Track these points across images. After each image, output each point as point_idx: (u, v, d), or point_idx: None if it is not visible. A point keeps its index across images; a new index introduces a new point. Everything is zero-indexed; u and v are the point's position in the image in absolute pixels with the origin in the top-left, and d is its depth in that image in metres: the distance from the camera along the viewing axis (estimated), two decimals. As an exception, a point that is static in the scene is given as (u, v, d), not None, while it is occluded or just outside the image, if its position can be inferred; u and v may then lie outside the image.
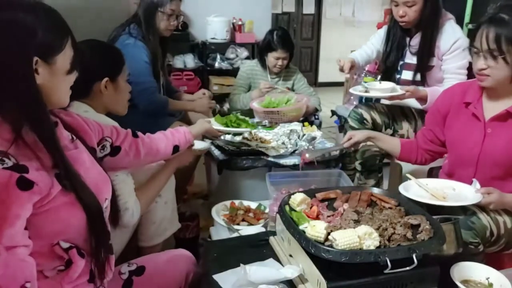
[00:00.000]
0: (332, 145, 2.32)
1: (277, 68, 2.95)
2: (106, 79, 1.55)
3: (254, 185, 2.10)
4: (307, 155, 1.91)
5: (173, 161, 1.67)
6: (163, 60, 2.61)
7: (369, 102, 2.66)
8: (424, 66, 2.28)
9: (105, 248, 1.11)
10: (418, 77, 2.30)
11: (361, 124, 2.32)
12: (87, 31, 1.64)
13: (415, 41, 2.28)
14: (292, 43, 2.99)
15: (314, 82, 7.73)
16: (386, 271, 1.07)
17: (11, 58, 0.93)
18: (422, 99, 2.17)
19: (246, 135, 2.25)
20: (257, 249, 1.39)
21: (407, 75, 2.34)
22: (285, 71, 3.04)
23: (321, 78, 7.89)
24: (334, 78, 6.78)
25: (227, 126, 1.88)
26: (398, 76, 2.39)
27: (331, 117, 3.58)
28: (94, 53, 1.56)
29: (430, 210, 1.43)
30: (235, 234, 1.60)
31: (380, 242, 1.14)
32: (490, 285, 1.22)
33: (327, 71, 7.70)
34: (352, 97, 3.45)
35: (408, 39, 2.33)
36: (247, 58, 4.44)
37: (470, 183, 1.56)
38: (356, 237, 1.11)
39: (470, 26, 3.07)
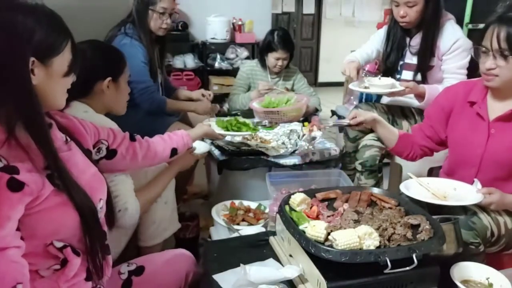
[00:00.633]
0: (339, 120, 2.32)
1: (277, 68, 2.95)
2: (109, 78, 1.56)
3: (254, 185, 2.10)
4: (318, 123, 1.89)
5: (175, 165, 1.69)
6: (162, 59, 2.60)
7: (369, 102, 2.66)
8: (424, 66, 2.28)
9: (102, 248, 1.11)
10: (419, 77, 2.30)
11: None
12: (87, 31, 1.64)
13: (415, 41, 2.28)
14: (293, 44, 2.99)
15: (314, 82, 7.73)
16: (386, 271, 1.07)
17: (7, 57, 0.93)
18: (420, 96, 2.18)
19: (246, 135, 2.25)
20: (257, 249, 1.39)
21: (407, 75, 2.34)
22: (285, 71, 3.04)
23: (321, 78, 7.90)
24: (334, 78, 6.79)
25: (227, 130, 1.89)
26: (398, 76, 2.39)
27: (331, 117, 3.58)
28: (97, 53, 1.58)
29: (431, 209, 1.43)
30: (235, 234, 1.60)
31: (380, 242, 1.14)
32: (490, 285, 1.22)
33: (327, 71, 7.71)
34: (352, 97, 3.46)
35: (408, 39, 2.33)
36: (247, 58, 4.44)
37: (472, 183, 1.55)
38: (356, 237, 1.11)
39: (470, 26, 3.07)
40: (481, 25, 3.06)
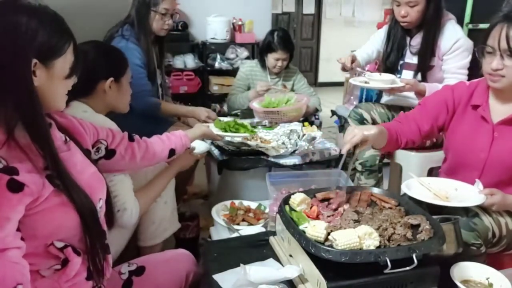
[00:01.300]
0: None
1: (277, 69, 2.95)
2: (111, 79, 1.56)
3: (254, 185, 2.10)
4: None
5: (175, 165, 1.70)
6: (161, 59, 2.58)
7: (369, 102, 2.66)
8: (425, 66, 2.28)
9: (102, 247, 1.11)
10: (419, 77, 2.30)
11: (361, 124, 2.31)
12: (87, 32, 1.64)
13: (416, 41, 2.28)
14: (292, 44, 2.99)
15: (314, 82, 7.74)
16: (386, 271, 1.06)
17: (10, 58, 0.94)
18: (421, 94, 2.18)
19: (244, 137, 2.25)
20: (257, 249, 1.39)
21: (407, 75, 2.34)
22: (285, 72, 3.04)
23: (321, 78, 7.91)
24: (334, 78, 6.80)
25: (226, 131, 1.89)
26: (398, 76, 2.39)
27: (331, 117, 3.58)
28: (100, 53, 1.59)
29: (431, 209, 1.42)
30: (235, 234, 1.60)
31: (380, 242, 1.14)
32: (490, 285, 1.22)
33: (327, 71, 7.72)
34: (352, 97, 3.45)
35: (408, 39, 2.33)
36: (247, 58, 4.44)
37: (473, 184, 1.53)
38: (356, 237, 1.11)
39: (470, 26, 3.07)
40: (481, 25, 3.06)
